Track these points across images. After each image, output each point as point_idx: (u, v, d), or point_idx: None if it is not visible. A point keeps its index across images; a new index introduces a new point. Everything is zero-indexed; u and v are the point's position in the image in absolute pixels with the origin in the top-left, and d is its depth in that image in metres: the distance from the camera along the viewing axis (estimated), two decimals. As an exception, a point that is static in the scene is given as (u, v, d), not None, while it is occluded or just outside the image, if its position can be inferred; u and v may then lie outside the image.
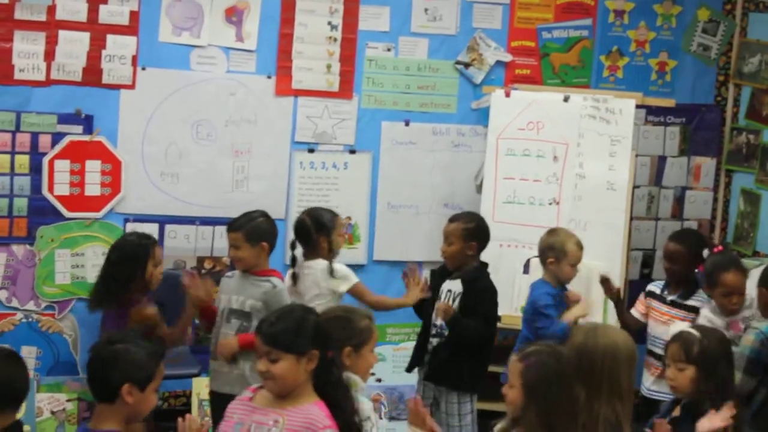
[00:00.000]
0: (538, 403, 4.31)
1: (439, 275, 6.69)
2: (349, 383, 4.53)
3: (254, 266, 6.27)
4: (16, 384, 4.45)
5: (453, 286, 6.51)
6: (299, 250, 6.56)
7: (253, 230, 6.27)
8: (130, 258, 6.38)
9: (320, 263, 6.46)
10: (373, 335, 4.74)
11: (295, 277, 6.52)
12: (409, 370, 6.84)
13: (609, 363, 4.54)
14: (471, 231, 6.53)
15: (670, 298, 6.74)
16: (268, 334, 4.31)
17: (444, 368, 6.48)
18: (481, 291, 6.48)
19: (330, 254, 6.51)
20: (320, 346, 4.31)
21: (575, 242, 6.52)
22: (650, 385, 6.73)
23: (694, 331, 5.01)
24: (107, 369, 4.16)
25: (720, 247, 7.11)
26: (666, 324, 6.65)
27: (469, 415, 6.46)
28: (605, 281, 6.83)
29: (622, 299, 6.93)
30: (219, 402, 6.24)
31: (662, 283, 6.94)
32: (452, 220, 6.66)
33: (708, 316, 6.35)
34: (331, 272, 6.44)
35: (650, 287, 6.98)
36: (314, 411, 4.24)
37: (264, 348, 4.31)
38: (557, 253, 6.47)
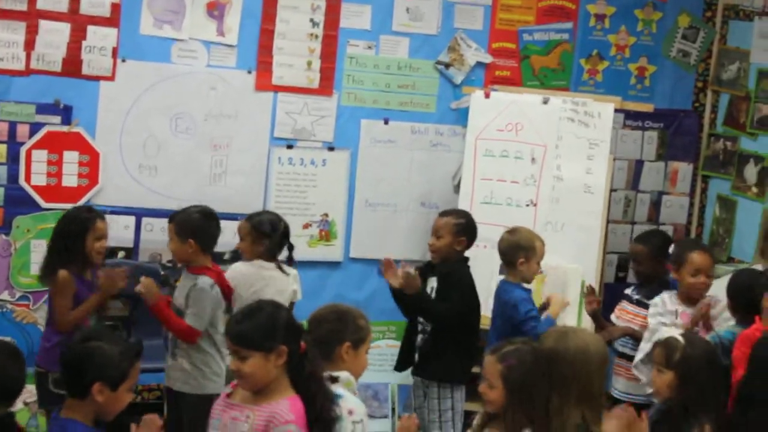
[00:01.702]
0: (522, 402, 4.35)
1: (422, 273, 6.68)
2: (347, 381, 4.49)
3: (185, 261, 6.22)
4: (9, 379, 4.39)
5: (434, 283, 6.59)
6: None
7: (183, 224, 6.21)
8: (71, 231, 6.27)
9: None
10: (369, 335, 4.68)
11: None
12: (398, 369, 6.84)
13: (579, 367, 4.55)
14: (462, 226, 6.59)
15: (636, 297, 6.82)
16: (234, 333, 4.30)
17: (424, 360, 6.52)
18: (454, 282, 6.52)
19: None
20: (290, 341, 4.27)
21: (539, 239, 6.54)
22: (620, 386, 6.76)
23: (680, 338, 5.03)
24: (79, 366, 4.12)
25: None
26: (632, 323, 6.72)
27: (449, 411, 6.47)
28: (591, 292, 6.86)
29: (599, 313, 6.92)
30: (168, 398, 6.31)
31: (635, 285, 7.05)
32: (443, 214, 6.72)
33: (663, 297, 6.37)
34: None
35: (626, 291, 7.05)
36: (280, 405, 4.22)
37: (232, 347, 4.30)
38: (527, 252, 6.43)
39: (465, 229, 6.62)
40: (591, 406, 4.53)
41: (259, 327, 4.25)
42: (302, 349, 4.30)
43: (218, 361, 6.13)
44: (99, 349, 4.14)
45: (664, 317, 6.34)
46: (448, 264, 6.58)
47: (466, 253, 6.68)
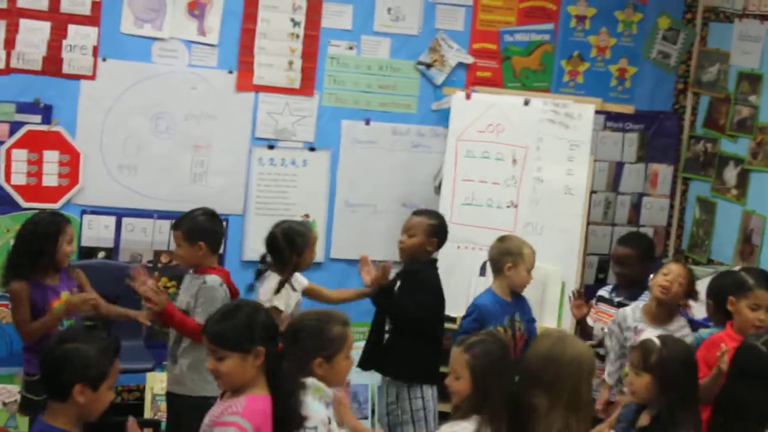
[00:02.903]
0: (486, 392, 4.38)
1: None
2: (314, 387, 4.48)
3: (195, 265, 6.20)
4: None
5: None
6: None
7: (191, 229, 6.18)
8: (41, 234, 6.22)
9: (272, 277, 6.42)
10: (347, 342, 4.61)
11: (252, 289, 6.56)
12: (362, 367, 6.80)
13: (574, 374, 4.56)
14: (435, 228, 6.56)
15: (617, 299, 6.82)
16: (212, 333, 4.31)
17: (390, 359, 6.50)
18: (419, 281, 6.49)
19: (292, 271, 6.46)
20: (268, 342, 4.30)
21: (529, 247, 6.49)
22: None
23: (656, 340, 5.04)
24: (58, 369, 4.07)
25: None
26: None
27: (421, 410, 6.45)
28: (579, 296, 6.86)
29: (585, 318, 6.93)
30: (168, 400, 6.30)
31: (611, 286, 7.05)
32: (417, 213, 6.69)
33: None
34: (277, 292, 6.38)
35: (600, 292, 7.07)
36: (238, 400, 4.25)
37: (210, 346, 4.31)
38: (515, 257, 6.40)
39: (438, 230, 6.58)
40: (578, 415, 4.54)
41: (237, 327, 4.27)
42: (279, 348, 4.33)
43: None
44: (76, 350, 4.09)
45: (617, 333, 6.27)
46: (415, 264, 6.55)
47: (441, 257, 6.70)
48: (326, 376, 4.54)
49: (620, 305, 6.76)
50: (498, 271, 6.46)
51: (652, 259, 7.06)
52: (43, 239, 6.21)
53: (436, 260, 6.70)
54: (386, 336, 6.59)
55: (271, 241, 6.45)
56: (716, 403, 5.13)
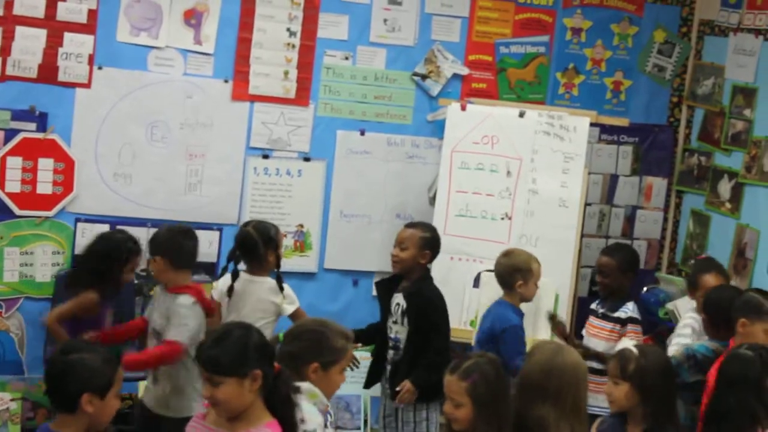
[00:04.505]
0: (491, 415, 4.37)
1: (385, 288, 6.71)
2: (309, 392, 4.50)
3: (162, 280, 6.16)
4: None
5: (401, 300, 6.55)
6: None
7: (150, 242, 6.21)
8: (111, 257, 6.22)
9: (268, 281, 6.44)
10: (346, 357, 4.66)
11: (231, 291, 6.44)
12: (367, 386, 6.83)
13: (574, 382, 4.59)
14: (428, 240, 6.57)
15: (601, 311, 6.87)
16: (206, 359, 4.18)
17: (397, 376, 6.47)
18: (425, 302, 6.50)
19: (277, 269, 6.49)
20: (264, 364, 4.19)
21: (536, 260, 6.56)
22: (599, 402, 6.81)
23: (633, 349, 5.06)
24: (64, 381, 4.11)
25: (703, 255, 7.18)
26: (596, 337, 6.75)
27: (424, 422, 6.46)
28: (552, 318, 6.87)
29: (570, 335, 6.92)
30: (144, 416, 6.23)
31: (599, 299, 7.09)
32: (409, 226, 6.71)
33: (692, 319, 6.36)
34: (282, 290, 6.43)
35: (592, 305, 7.11)
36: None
37: (204, 374, 4.19)
38: (524, 274, 6.45)
39: (430, 242, 6.60)
40: (579, 419, 4.58)
41: (230, 352, 4.14)
42: (276, 370, 4.24)
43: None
44: (81, 360, 4.13)
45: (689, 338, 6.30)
46: (415, 281, 6.55)
47: (435, 269, 6.70)
48: (319, 384, 4.55)
49: (604, 317, 6.80)
50: (509, 287, 6.50)
51: (635, 270, 7.08)
52: (112, 262, 6.22)
53: (429, 271, 6.71)
54: (390, 353, 6.58)
55: (246, 239, 6.45)
56: (707, 413, 5.15)
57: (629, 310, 6.82)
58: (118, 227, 7.00)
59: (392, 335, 6.57)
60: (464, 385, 4.47)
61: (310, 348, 4.60)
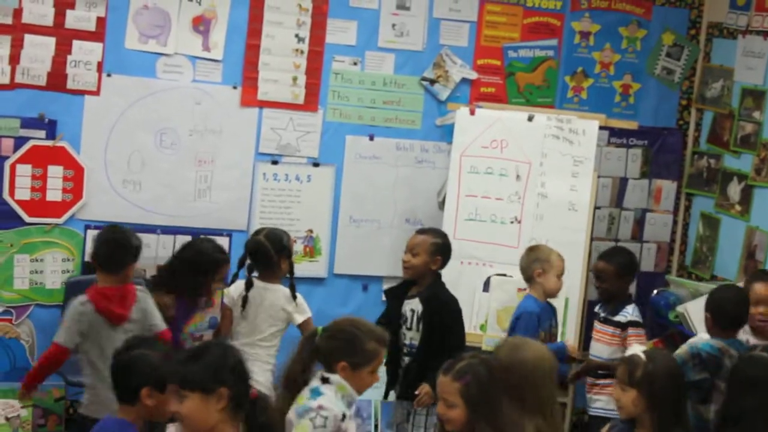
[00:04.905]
0: (486, 416, 4.36)
1: (395, 295, 6.70)
2: (338, 385, 4.64)
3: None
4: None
5: (414, 306, 6.54)
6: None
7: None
8: (201, 266, 6.31)
9: (281, 289, 6.47)
10: (377, 359, 4.74)
11: (246, 301, 6.46)
12: (386, 396, 6.85)
13: (536, 377, 4.60)
14: (439, 246, 6.57)
15: (602, 315, 6.87)
16: (174, 371, 4.14)
17: (415, 386, 6.46)
18: (442, 305, 6.51)
19: (290, 276, 6.50)
20: (234, 385, 4.07)
21: (557, 254, 6.69)
22: (592, 402, 6.80)
23: (641, 355, 5.03)
24: (126, 374, 4.31)
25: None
26: (599, 341, 6.76)
27: (433, 426, 6.46)
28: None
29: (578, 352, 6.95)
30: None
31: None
32: (420, 232, 6.72)
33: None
34: (294, 299, 6.45)
35: (596, 309, 7.13)
36: None
37: (172, 386, 4.15)
38: (543, 264, 6.62)
39: (442, 248, 6.59)
40: (544, 415, 4.58)
41: (201, 366, 4.07)
42: (253, 396, 4.15)
43: (96, 386, 5.89)
44: (143, 355, 4.32)
45: None
46: (429, 286, 6.55)
47: (445, 273, 6.68)
48: (348, 382, 4.68)
49: (605, 321, 6.79)
50: (529, 279, 6.67)
51: (632, 274, 7.05)
52: (201, 272, 6.29)
53: (440, 275, 6.67)
54: (406, 359, 6.59)
55: (258, 248, 6.49)
56: (722, 416, 5.13)
57: (629, 313, 6.80)
58: (203, 236, 6.99)
59: (407, 342, 6.56)
60: (457, 385, 4.46)
61: (341, 348, 4.71)
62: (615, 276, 6.87)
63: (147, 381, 4.26)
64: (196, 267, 6.33)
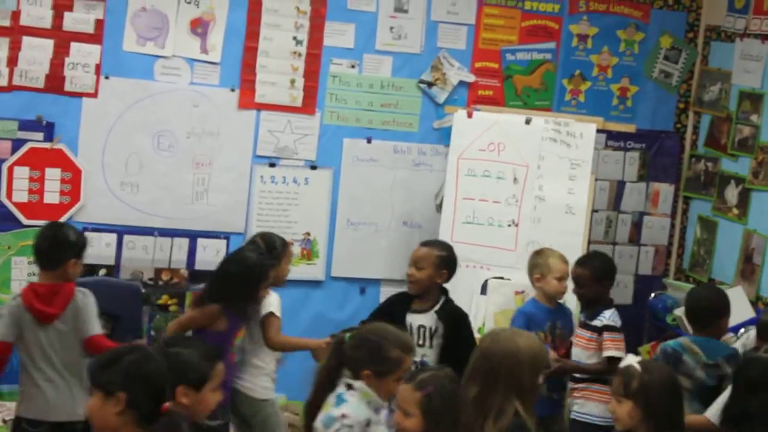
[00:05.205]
0: (440, 428, 4.33)
1: (401, 305, 6.46)
2: (362, 391, 4.66)
3: None
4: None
5: (425, 321, 6.33)
6: None
7: None
8: (253, 277, 6.15)
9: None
10: (401, 367, 4.71)
11: None
12: None
13: (508, 363, 4.54)
14: (444, 259, 6.38)
15: (582, 319, 6.87)
16: (89, 365, 4.17)
17: None
18: (460, 320, 6.39)
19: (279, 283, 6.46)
20: (134, 393, 3.91)
21: (558, 256, 6.75)
22: (574, 407, 6.80)
23: (637, 366, 5.00)
24: None
25: None
26: (577, 346, 6.76)
27: None
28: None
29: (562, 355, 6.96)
30: None
31: None
32: (425, 244, 6.52)
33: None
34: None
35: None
36: None
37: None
38: (541, 269, 6.72)
39: (447, 261, 6.39)
40: (524, 401, 4.52)
41: (105, 365, 3.99)
42: (163, 409, 4.01)
43: (25, 383, 5.89)
44: (178, 354, 4.29)
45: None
46: (444, 303, 6.35)
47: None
48: (373, 390, 4.69)
49: (583, 325, 6.77)
50: (531, 284, 6.79)
51: (609, 278, 6.95)
52: (253, 282, 6.15)
53: (447, 290, 6.49)
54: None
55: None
56: (725, 418, 5.14)
57: (605, 318, 6.72)
58: (244, 246, 6.73)
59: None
60: (418, 395, 4.35)
61: (365, 356, 4.71)
62: (592, 280, 6.80)
63: (181, 379, 4.22)
64: (246, 279, 6.15)
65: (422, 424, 4.34)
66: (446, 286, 6.43)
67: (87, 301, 5.93)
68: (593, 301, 6.78)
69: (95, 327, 5.90)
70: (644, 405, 4.82)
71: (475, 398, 4.50)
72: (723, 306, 6.17)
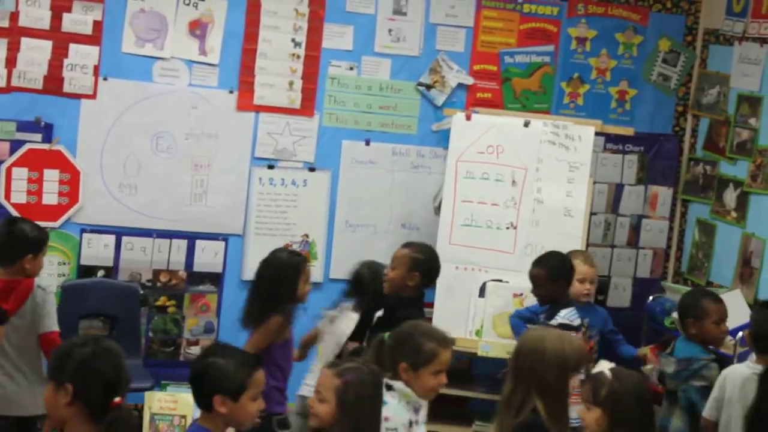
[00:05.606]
0: (351, 421, 4.32)
1: (369, 307, 6.46)
2: (401, 392, 4.68)
3: None
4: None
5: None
6: None
7: None
8: (285, 276, 6.03)
9: None
10: (437, 359, 4.75)
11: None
12: None
13: (531, 360, 4.60)
14: (418, 262, 6.21)
15: (542, 320, 6.82)
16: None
17: None
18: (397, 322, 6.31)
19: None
20: (81, 385, 3.85)
21: (583, 259, 6.84)
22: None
23: (607, 373, 4.93)
24: (199, 381, 4.32)
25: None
26: None
27: None
28: None
29: None
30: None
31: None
32: (405, 246, 6.44)
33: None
34: None
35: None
36: None
37: None
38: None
39: (421, 265, 6.22)
40: (547, 399, 4.55)
41: (58, 356, 3.96)
42: (114, 404, 3.91)
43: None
44: (214, 363, 4.30)
45: None
46: (392, 302, 6.20)
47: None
48: (411, 385, 4.72)
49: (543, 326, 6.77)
50: None
51: (566, 277, 6.90)
52: (287, 280, 6.03)
53: (420, 300, 6.37)
54: None
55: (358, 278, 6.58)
56: (753, 415, 5.11)
57: (560, 317, 6.70)
58: (279, 248, 6.58)
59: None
60: (336, 382, 4.37)
61: (398, 349, 4.77)
62: (547, 280, 6.76)
63: (217, 388, 4.25)
64: (281, 278, 6.04)
65: (334, 413, 4.35)
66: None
67: (46, 297, 5.96)
68: (551, 301, 6.75)
69: (51, 324, 5.91)
70: (612, 413, 4.69)
71: (506, 394, 4.59)
72: None
